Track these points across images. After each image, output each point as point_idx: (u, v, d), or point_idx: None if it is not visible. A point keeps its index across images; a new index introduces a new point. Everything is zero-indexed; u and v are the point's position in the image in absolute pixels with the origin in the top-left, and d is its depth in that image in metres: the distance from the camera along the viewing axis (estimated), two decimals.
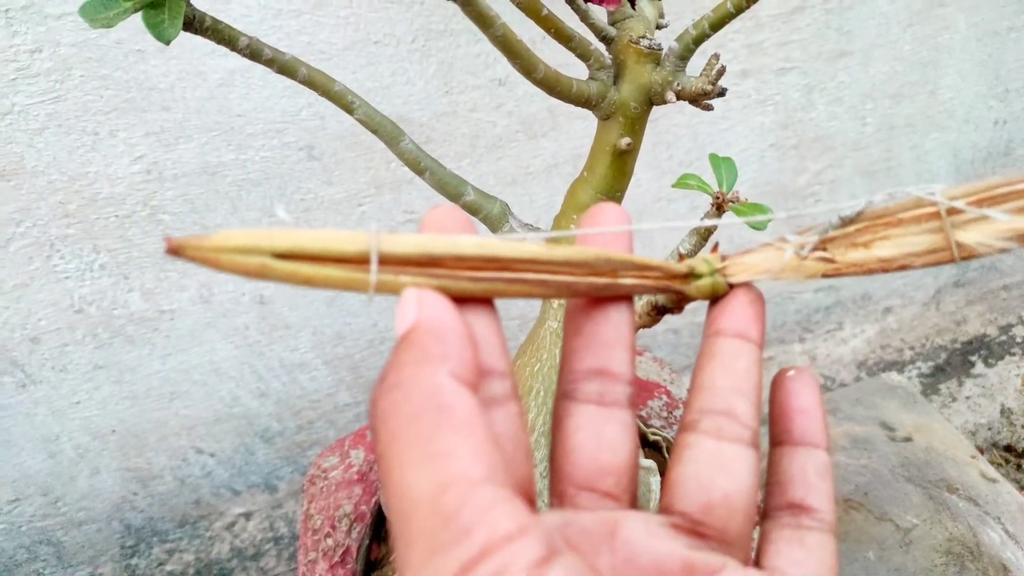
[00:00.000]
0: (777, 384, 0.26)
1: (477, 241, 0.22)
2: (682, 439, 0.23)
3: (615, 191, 0.47)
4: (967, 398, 1.16)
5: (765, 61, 0.83)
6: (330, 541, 0.60)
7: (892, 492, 0.82)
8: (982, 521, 0.77)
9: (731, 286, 0.26)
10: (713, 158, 0.41)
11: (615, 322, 0.25)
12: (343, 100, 0.45)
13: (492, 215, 0.50)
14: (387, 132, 0.47)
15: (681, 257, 0.27)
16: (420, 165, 0.48)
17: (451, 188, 0.49)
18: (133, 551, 0.93)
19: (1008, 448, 1.09)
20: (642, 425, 0.61)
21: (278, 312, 0.83)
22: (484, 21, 0.37)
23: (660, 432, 0.66)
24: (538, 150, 0.81)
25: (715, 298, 0.26)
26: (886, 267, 0.25)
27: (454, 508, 0.16)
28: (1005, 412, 1.14)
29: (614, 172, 0.46)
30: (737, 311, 0.25)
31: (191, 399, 0.86)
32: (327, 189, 0.77)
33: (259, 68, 0.69)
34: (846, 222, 0.26)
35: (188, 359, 0.84)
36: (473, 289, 0.22)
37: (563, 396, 0.24)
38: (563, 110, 0.78)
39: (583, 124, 0.81)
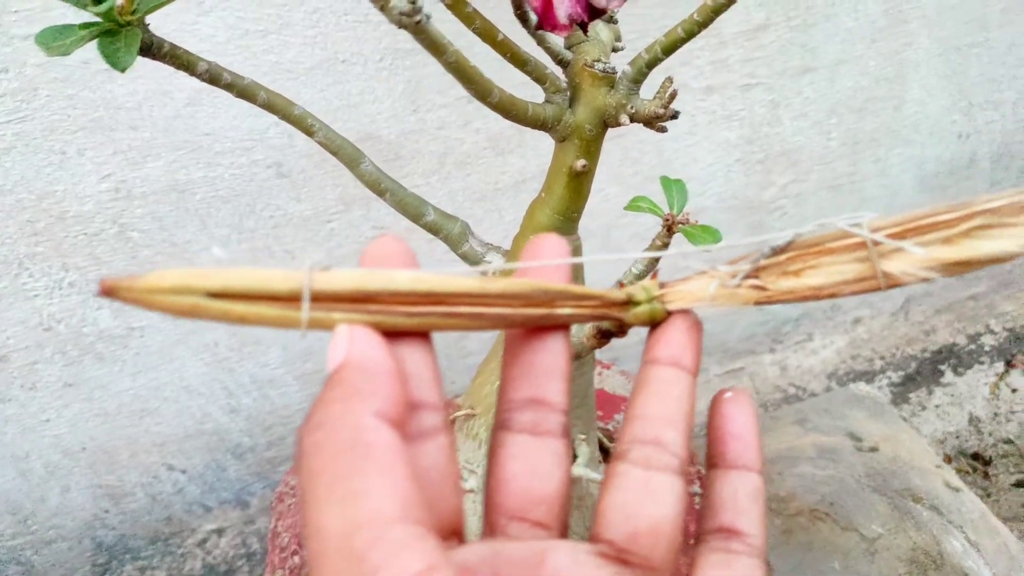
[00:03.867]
0: (714, 407, 0.27)
1: (411, 276, 0.23)
2: (612, 468, 0.24)
3: (572, 211, 0.48)
4: (936, 407, 1.17)
5: (730, 77, 0.85)
6: (297, 559, 0.60)
7: (858, 502, 0.83)
8: (945, 530, 0.78)
9: (669, 313, 0.27)
10: (664, 180, 0.42)
11: (552, 351, 0.25)
12: (303, 123, 0.46)
13: (453, 235, 0.50)
14: (347, 154, 0.47)
15: (620, 285, 0.28)
16: (380, 186, 0.48)
17: (412, 209, 0.49)
18: (105, 569, 0.92)
19: (976, 456, 1.11)
20: (605, 440, 0.62)
21: (250, 330, 0.83)
22: (437, 49, 0.37)
23: None
24: (506, 166, 0.82)
25: (655, 324, 0.27)
26: (816, 295, 0.26)
27: (364, 549, 0.16)
28: (973, 420, 1.15)
29: (570, 193, 0.47)
30: (672, 339, 0.26)
31: (161, 416, 0.86)
32: (296, 206, 0.77)
33: None
34: (777, 251, 0.26)
35: (158, 376, 0.84)
36: (408, 324, 0.23)
37: (498, 426, 0.25)
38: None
39: (550, 141, 0.82)
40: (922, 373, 1.20)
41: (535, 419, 0.24)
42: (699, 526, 0.26)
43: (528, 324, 0.25)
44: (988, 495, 1.05)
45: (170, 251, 0.75)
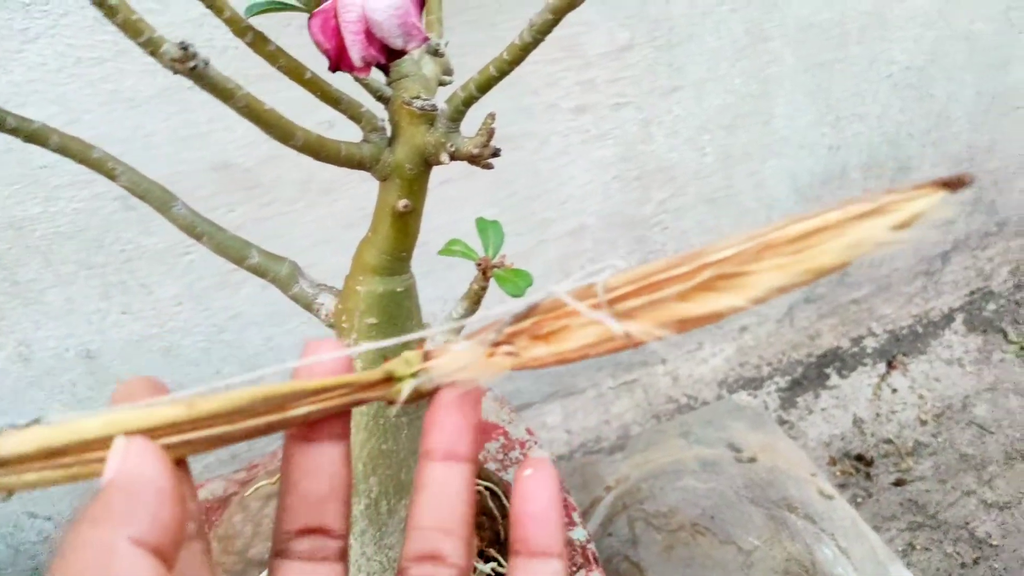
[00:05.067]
0: (515, 486, 0.26)
1: (103, 422, 0.21)
2: None
3: (400, 251, 0.47)
4: (823, 410, 1.21)
5: (599, 97, 0.85)
6: None
7: (736, 514, 0.84)
8: (818, 539, 0.80)
9: (438, 387, 0.26)
10: (480, 222, 0.41)
11: (329, 473, 0.24)
12: (104, 167, 0.43)
13: (281, 277, 0.48)
14: (156, 198, 0.45)
15: (385, 359, 0.27)
16: (196, 230, 0.46)
17: (233, 252, 0.47)
18: None
19: (859, 457, 1.14)
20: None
21: (107, 366, 0.79)
22: (223, 94, 0.36)
23: (494, 477, 0.66)
24: (373, 192, 0.79)
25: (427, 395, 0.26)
26: (566, 359, 0.25)
27: None
28: (857, 422, 1.19)
29: (396, 232, 0.46)
30: (442, 423, 0.25)
31: None
32: (147, 239, 0.73)
33: (60, 118, 0.66)
34: (519, 318, 0.26)
35: (12, 420, 0.79)
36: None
37: (275, 554, 0.24)
38: None
39: None
40: (808, 377, 1.23)
41: (312, 547, 0.23)
42: None
43: (258, 435, 0.23)
44: (870, 495, 1.08)
45: (11, 291, 0.71)
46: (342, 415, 0.25)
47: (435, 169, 0.72)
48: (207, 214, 0.74)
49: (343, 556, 0.24)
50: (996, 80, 1.12)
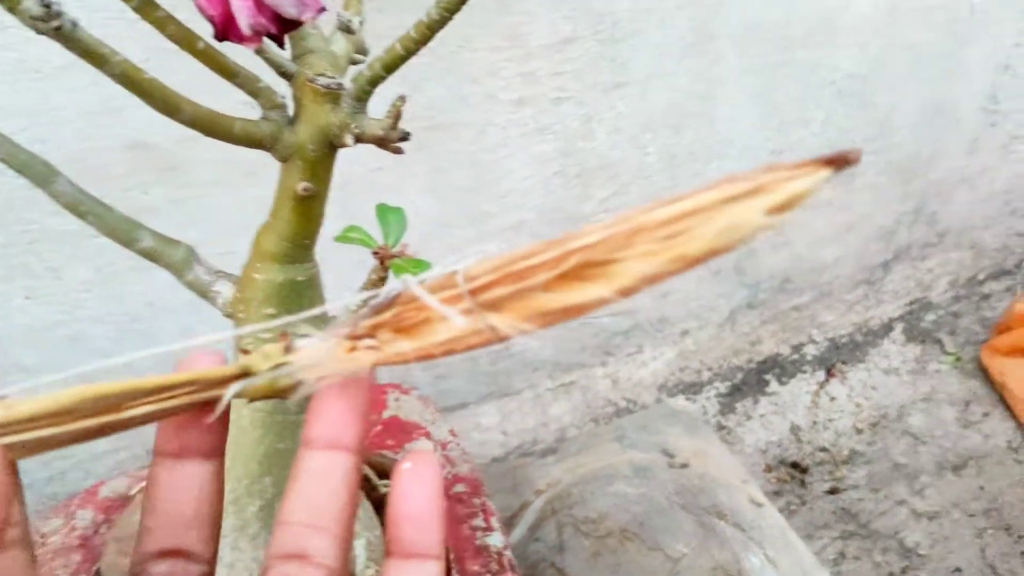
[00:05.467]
0: (393, 481, 0.23)
1: None
2: None
3: (302, 237, 0.44)
4: (761, 416, 1.20)
5: (540, 90, 0.83)
6: None
7: (666, 521, 0.82)
8: (746, 547, 0.79)
9: (299, 382, 0.24)
10: (380, 208, 0.38)
11: (195, 496, 0.22)
12: None
13: (175, 262, 0.45)
14: (36, 172, 0.42)
15: (244, 352, 0.24)
16: (81, 208, 0.43)
17: (122, 234, 0.44)
18: None
19: (794, 464, 1.14)
20: (372, 475, 0.58)
21: (9, 353, 0.75)
22: (95, 59, 0.32)
23: None
24: None
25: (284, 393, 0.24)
26: (429, 354, 0.23)
27: None
28: (794, 429, 1.19)
29: (298, 218, 0.43)
30: (326, 411, 0.23)
31: None
32: (55, 219, 0.69)
33: None
34: (378, 309, 0.23)
35: None
36: None
37: None
38: None
39: (351, 148, 0.77)
40: (748, 383, 1.22)
41: (171, 570, 0.22)
42: None
43: (90, 437, 0.21)
44: (804, 503, 1.08)
45: None
46: (215, 430, 0.23)
47: (367, 155, 0.70)
48: (120, 195, 0.70)
49: None
50: (939, 91, 1.12)
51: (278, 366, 0.23)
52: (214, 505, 0.23)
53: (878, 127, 1.10)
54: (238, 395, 0.23)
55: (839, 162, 0.18)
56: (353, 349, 0.23)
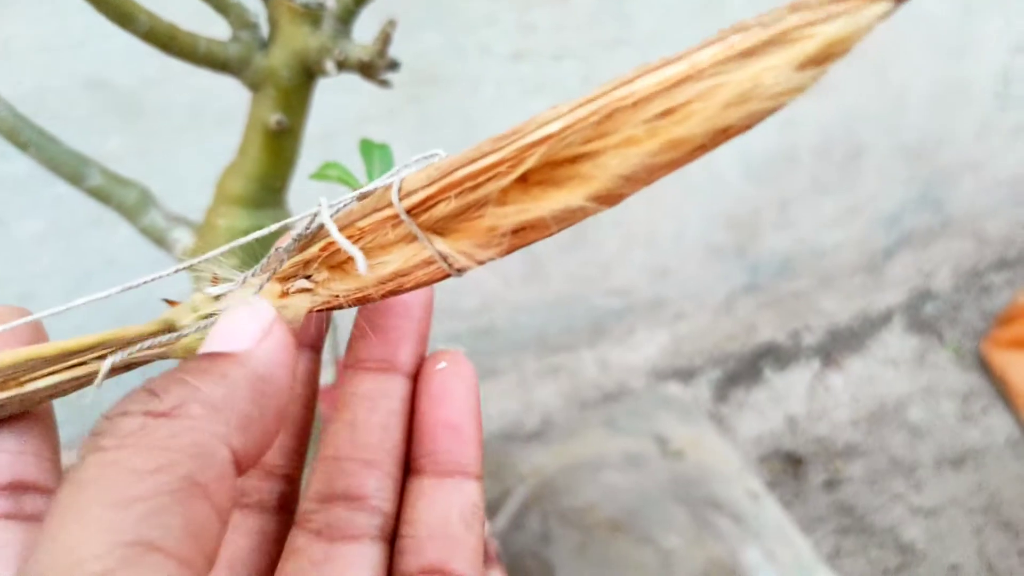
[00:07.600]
0: (422, 382, 0.19)
1: None
2: (290, 540, 0.17)
3: (273, 178, 0.38)
4: (755, 405, 1.15)
5: (539, 45, 0.77)
6: None
7: (658, 512, 0.77)
8: (743, 541, 0.74)
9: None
10: (364, 144, 0.32)
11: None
12: None
13: (127, 204, 0.39)
14: None
15: (170, 303, 0.19)
16: (21, 138, 0.37)
17: (68, 169, 0.38)
18: None
19: (790, 456, 1.09)
20: None
21: None
22: None
23: None
24: None
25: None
26: (372, 295, 0.18)
27: None
28: (789, 419, 1.14)
29: (268, 156, 0.37)
30: (384, 327, 0.20)
31: None
32: (5, 164, 0.63)
33: None
34: (303, 243, 0.19)
35: None
36: None
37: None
38: None
39: (335, 95, 0.71)
40: (742, 371, 1.17)
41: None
42: (392, 566, 0.18)
43: None
44: (798, 495, 1.03)
45: None
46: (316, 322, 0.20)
47: (353, 107, 0.63)
48: (80, 139, 0.63)
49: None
50: (952, 69, 1.08)
51: (207, 316, 0.19)
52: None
53: (890, 105, 1.05)
54: (163, 355, 0.19)
55: None
56: (285, 294, 0.19)
